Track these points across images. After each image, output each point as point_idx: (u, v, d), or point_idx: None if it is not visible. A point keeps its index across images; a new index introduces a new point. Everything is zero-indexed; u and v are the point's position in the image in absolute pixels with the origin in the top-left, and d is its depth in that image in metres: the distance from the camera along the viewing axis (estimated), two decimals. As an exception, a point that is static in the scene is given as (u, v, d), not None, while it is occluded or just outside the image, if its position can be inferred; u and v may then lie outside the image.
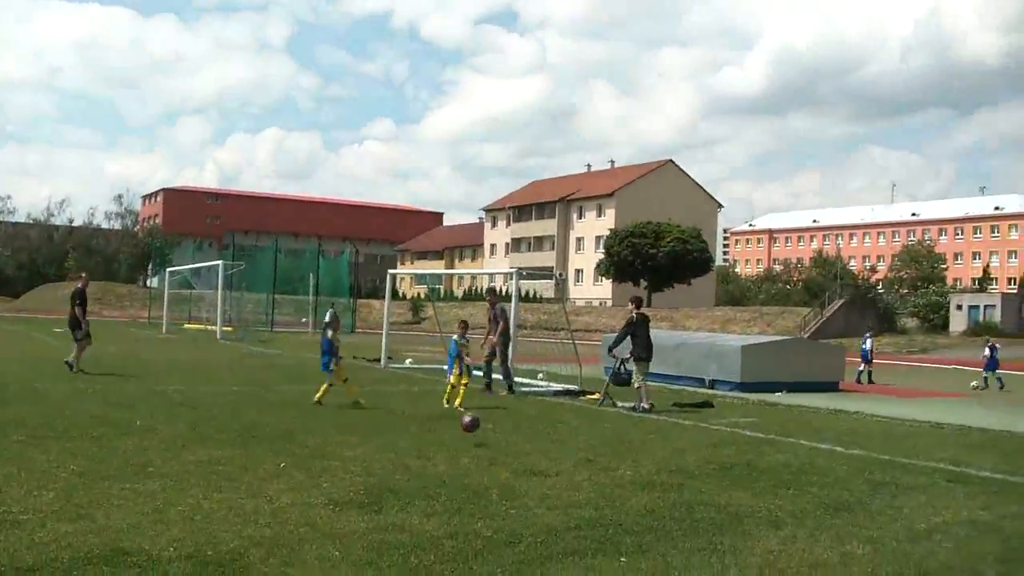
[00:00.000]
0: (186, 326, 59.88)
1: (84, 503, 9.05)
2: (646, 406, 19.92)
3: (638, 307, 21.43)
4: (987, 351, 34.83)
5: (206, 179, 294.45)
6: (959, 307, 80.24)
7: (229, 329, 53.37)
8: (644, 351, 20.62)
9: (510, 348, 23.00)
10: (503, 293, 34.58)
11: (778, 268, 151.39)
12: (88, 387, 20.11)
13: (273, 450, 12.64)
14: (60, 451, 11.88)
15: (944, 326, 79.25)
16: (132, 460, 11.51)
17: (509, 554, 7.81)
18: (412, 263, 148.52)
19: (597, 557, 7.82)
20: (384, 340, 32.09)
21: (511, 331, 23.07)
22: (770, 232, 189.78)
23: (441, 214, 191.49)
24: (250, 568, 7.13)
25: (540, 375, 26.14)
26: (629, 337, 20.74)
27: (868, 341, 35.84)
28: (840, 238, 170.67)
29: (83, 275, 27.73)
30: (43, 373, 23.16)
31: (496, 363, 22.68)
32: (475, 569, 7.33)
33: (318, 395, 18.19)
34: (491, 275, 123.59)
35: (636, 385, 20.26)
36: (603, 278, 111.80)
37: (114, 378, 22.77)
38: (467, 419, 12.54)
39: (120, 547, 7.54)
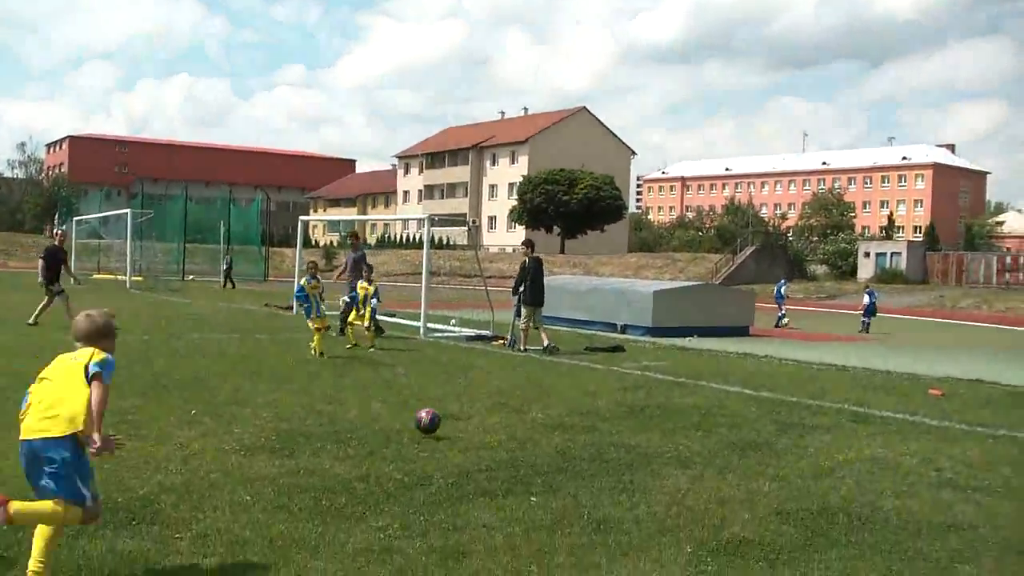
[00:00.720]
0: (95, 276, 58.81)
1: (-8, 451, 8.91)
2: (522, 348, 20.75)
3: (531, 250, 21.69)
4: (866, 297, 35.72)
5: (114, 127, 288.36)
6: (867, 254, 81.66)
7: (139, 279, 52.60)
8: (533, 295, 20.93)
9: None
10: (414, 240, 34.58)
11: (690, 215, 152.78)
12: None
13: (184, 398, 12.53)
14: (-41, 403, 11.64)
15: (852, 273, 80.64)
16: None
17: (420, 495, 7.87)
18: (324, 211, 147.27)
19: (508, 497, 7.92)
20: (296, 286, 31.84)
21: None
22: (683, 180, 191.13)
23: (354, 161, 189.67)
24: (160, 514, 7.09)
25: (453, 321, 26.18)
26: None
27: (783, 287, 37.43)
28: (752, 186, 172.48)
29: (59, 232, 27.38)
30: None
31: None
32: (386, 510, 7.38)
33: (315, 346, 18.20)
34: (404, 222, 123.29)
35: (522, 327, 20.82)
36: (516, 225, 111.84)
37: (19, 329, 22.33)
38: (424, 415, 10.90)
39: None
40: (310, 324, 18.81)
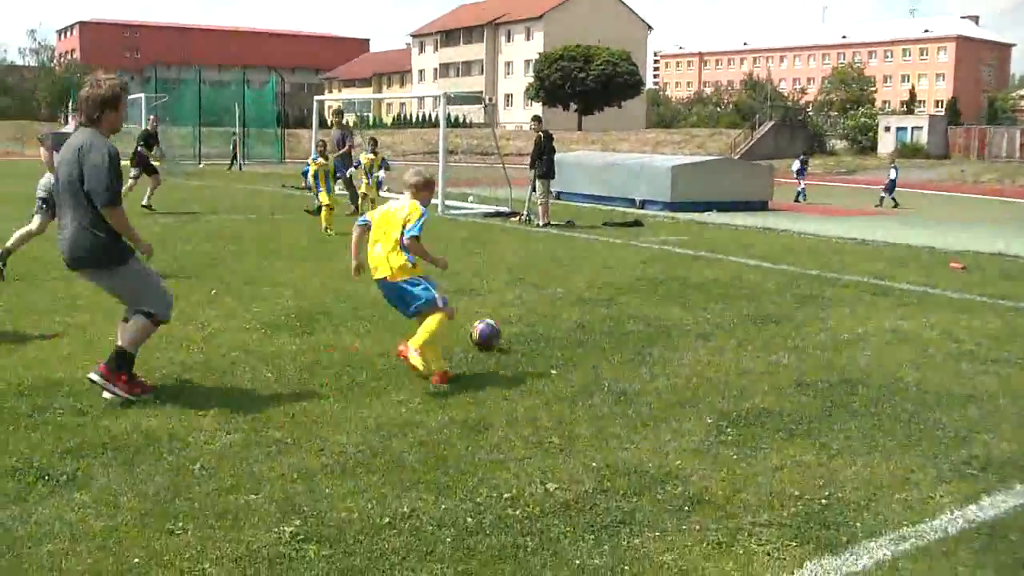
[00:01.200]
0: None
1: (14, 338, 8.99)
2: (541, 223, 20.79)
3: (540, 124, 21.74)
4: (893, 172, 35.46)
5: (124, 10, 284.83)
6: (887, 129, 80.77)
7: (156, 163, 52.44)
8: (548, 169, 21.05)
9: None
10: (430, 119, 34.36)
11: (708, 91, 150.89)
12: (7, 225, 19.72)
13: (205, 278, 12.59)
14: (-18, 289, 11.73)
15: (873, 148, 79.86)
16: (61, 295, 11.39)
17: (442, 370, 7.91)
18: (339, 91, 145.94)
19: (528, 370, 7.97)
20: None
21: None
22: (700, 55, 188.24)
23: (367, 40, 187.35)
24: (184, 391, 7.16)
25: (470, 198, 26.13)
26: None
27: (799, 162, 37.26)
28: (771, 61, 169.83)
29: (152, 117, 27.11)
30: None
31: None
32: (407, 385, 7.42)
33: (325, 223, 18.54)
34: (419, 101, 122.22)
35: (539, 203, 20.82)
36: (532, 102, 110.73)
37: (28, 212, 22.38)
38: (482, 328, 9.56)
39: (53, 378, 7.52)
40: (318, 201, 19.07)
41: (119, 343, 7.07)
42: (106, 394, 6.79)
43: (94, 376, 6.85)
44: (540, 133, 21.43)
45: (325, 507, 5.05)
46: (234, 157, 51.65)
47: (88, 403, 6.84)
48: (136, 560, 4.42)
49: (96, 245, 6.75)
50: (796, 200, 34.84)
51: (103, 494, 5.20)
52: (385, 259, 7.55)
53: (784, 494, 5.37)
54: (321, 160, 19.46)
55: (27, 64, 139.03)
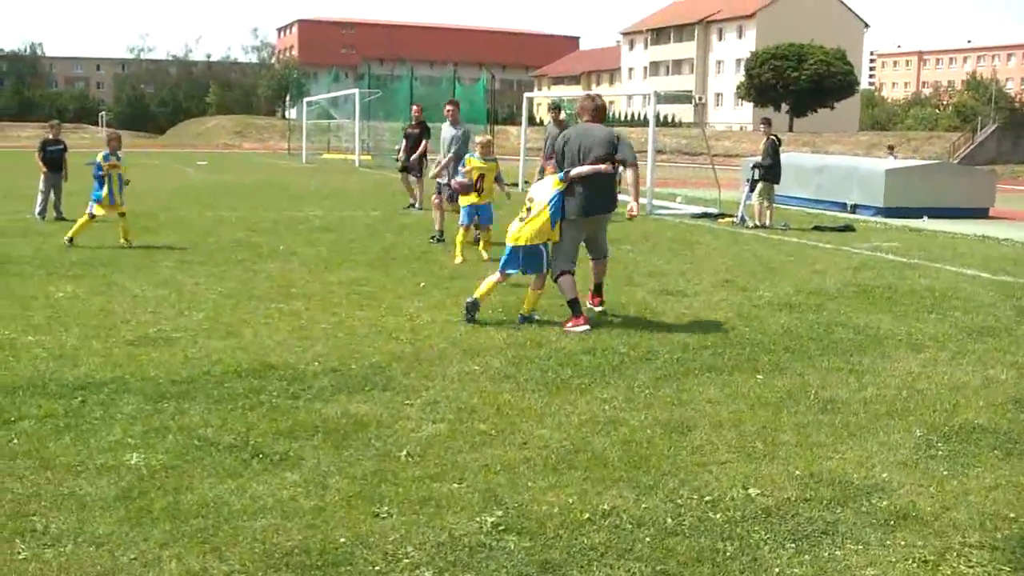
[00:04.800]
0: (325, 156, 60.62)
1: (232, 322, 9.42)
2: (755, 223, 20.67)
3: (770, 127, 21.55)
4: None
5: (341, 8, 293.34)
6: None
7: (368, 157, 53.93)
8: (774, 173, 20.78)
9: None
10: (638, 117, 33.94)
11: (927, 92, 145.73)
12: (231, 215, 20.68)
13: (412, 271, 12.90)
14: (207, 275, 12.33)
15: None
16: (276, 282, 11.89)
17: (646, 369, 7.89)
18: (548, 88, 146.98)
19: (734, 374, 7.86)
20: (521, 165, 32.09)
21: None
22: (920, 54, 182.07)
23: (577, 39, 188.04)
24: (392, 381, 7.35)
25: (678, 198, 25.95)
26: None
27: None
28: (996, 59, 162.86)
29: (416, 105, 26.99)
30: (187, 203, 23.86)
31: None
32: (611, 383, 7.44)
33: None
34: (628, 99, 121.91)
35: (757, 205, 20.54)
36: (743, 102, 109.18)
37: (255, 206, 23.36)
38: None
39: (268, 362, 7.85)
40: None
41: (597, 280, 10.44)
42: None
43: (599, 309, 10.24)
44: (773, 136, 21.24)
45: (526, 499, 5.10)
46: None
47: (300, 387, 7.12)
48: (343, 540, 4.56)
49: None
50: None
51: (313, 474, 5.39)
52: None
53: (998, 515, 5.13)
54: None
55: (249, 61, 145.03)
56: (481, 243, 14.54)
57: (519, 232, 9.54)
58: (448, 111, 17.66)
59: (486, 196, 14.30)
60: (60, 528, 4.64)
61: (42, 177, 19.22)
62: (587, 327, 9.32)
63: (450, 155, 16.63)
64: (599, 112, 10.31)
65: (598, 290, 10.44)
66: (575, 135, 9.98)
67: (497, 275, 9.71)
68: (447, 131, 17.39)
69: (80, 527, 4.65)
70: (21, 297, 10.60)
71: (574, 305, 9.52)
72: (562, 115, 20.92)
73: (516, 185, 31.06)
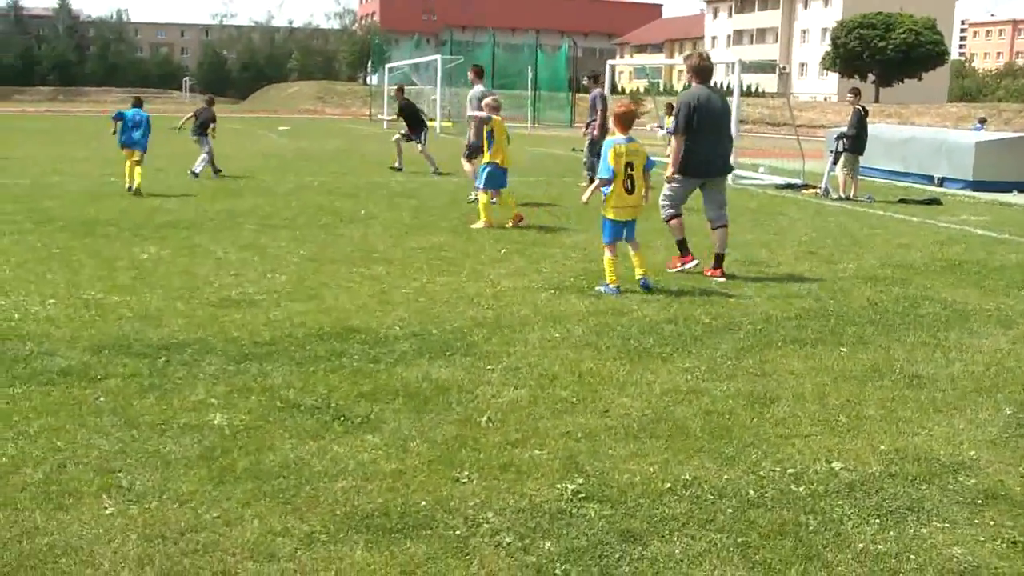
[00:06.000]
0: (407, 121, 60.73)
1: (314, 285, 9.50)
2: (839, 195, 20.23)
3: (858, 98, 21.07)
4: None
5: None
6: None
7: (449, 124, 54.01)
8: (860, 144, 20.37)
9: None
10: (722, 86, 33.49)
11: (1021, 62, 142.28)
12: (313, 180, 20.83)
13: (494, 237, 12.89)
14: (290, 238, 12.45)
15: None
16: (358, 246, 11.96)
17: (729, 339, 7.81)
18: (631, 56, 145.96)
19: (817, 346, 7.74)
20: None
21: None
22: (1014, 22, 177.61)
23: (660, 6, 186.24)
24: (474, 347, 7.36)
25: (761, 169, 25.60)
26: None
27: None
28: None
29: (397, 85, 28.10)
30: (270, 168, 24.07)
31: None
32: (694, 353, 7.38)
33: None
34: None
35: (842, 176, 20.21)
36: (828, 72, 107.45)
37: (337, 171, 23.50)
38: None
39: (349, 325, 7.90)
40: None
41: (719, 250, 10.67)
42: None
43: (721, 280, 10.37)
44: (860, 107, 20.83)
45: (607, 467, 5.07)
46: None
47: (381, 350, 7.15)
48: (423, 503, 4.57)
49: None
50: None
51: (393, 438, 5.41)
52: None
53: (1093, 496, 5.00)
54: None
55: (331, 27, 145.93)
56: (508, 203, 14.42)
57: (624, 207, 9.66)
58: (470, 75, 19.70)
59: (496, 155, 14.12)
60: (145, 485, 4.71)
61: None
62: (696, 262, 10.57)
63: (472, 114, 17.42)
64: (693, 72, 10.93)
65: (718, 261, 10.68)
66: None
67: (608, 253, 9.65)
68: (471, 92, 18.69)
69: (164, 484, 4.72)
70: (107, 258, 10.79)
71: (682, 245, 10.69)
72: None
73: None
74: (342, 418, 5.69)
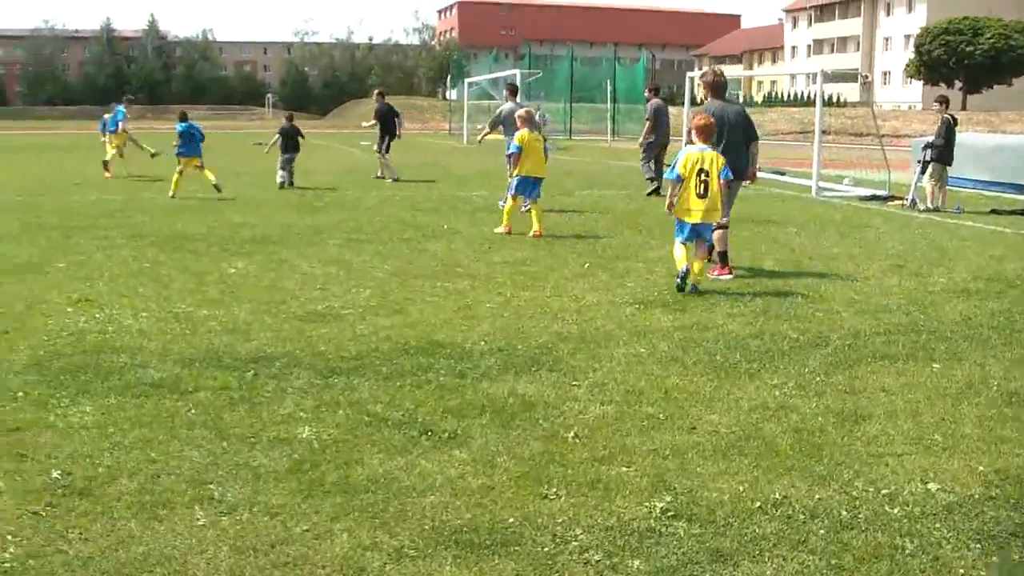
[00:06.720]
0: (489, 136, 60.93)
1: (399, 300, 9.56)
2: (927, 206, 19.76)
3: (946, 107, 20.67)
4: None
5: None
6: None
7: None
8: (947, 154, 19.97)
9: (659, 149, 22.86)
10: (802, 97, 33.17)
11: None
12: (396, 194, 20.98)
13: (576, 251, 12.87)
14: (374, 253, 12.56)
15: None
16: (441, 260, 12.01)
17: (816, 355, 7.69)
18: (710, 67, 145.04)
19: (908, 362, 7.59)
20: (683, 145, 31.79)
21: (661, 128, 22.92)
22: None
23: (739, 17, 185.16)
24: (559, 362, 7.34)
25: (845, 180, 25.25)
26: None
27: None
28: None
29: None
30: (353, 182, 24.29)
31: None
32: (781, 369, 7.27)
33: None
34: (791, 78, 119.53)
35: (934, 187, 19.82)
36: (912, 80, 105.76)
37: (420, 186, 23.64)
38: None
39: (435, 340, 7.93)
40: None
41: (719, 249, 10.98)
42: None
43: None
44: (949, 115, 20.48)
45: (696, 485, 5.01)
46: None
47: (467, 365, 7.16)
48: (511, 520, 4.55)
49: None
50: None
51: (481, 453, 5.41)
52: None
53: None
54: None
55: (410, 43, 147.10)
56: (533, 215, 14.69)
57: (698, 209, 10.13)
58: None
59: (531, 167, 14.71)
60: (236, 497, 4.76)
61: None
62: (731, 276, 10.99)
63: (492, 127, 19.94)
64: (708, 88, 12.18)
65: (723, 259, 11.26)
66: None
67: (677, 246, 10.36)
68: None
69: (255, 497, 4.77)
70: (196, 272, 10.97)
71: (723, 256, 11.13)
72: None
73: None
74: (429, 433, 5.70)
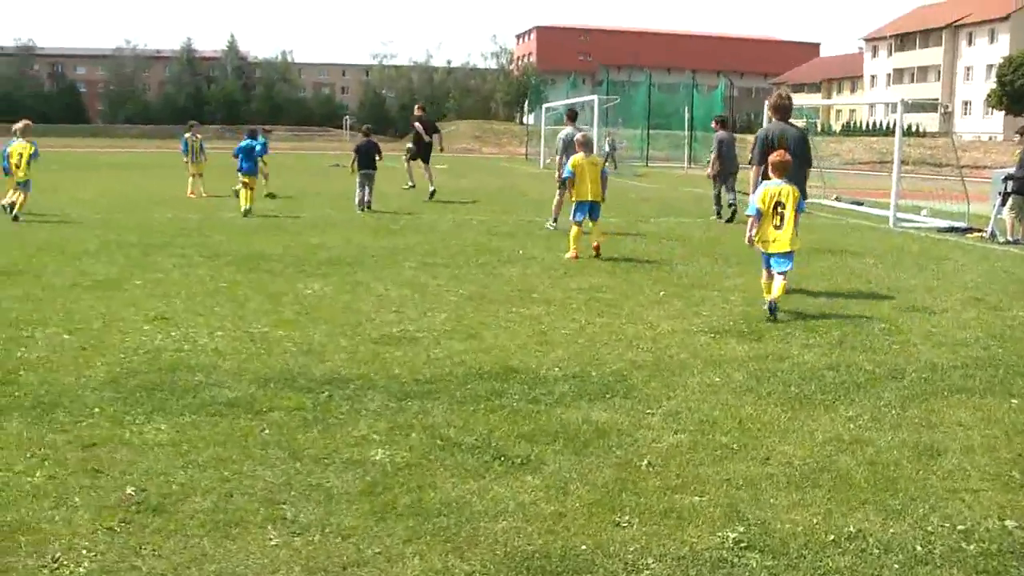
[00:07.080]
0: (562, 160, 60.97)
1: (473, 324, 9.60)
2: (1006, 238, 19.36)
3: None
4: None
5: (579, 15, 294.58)
6: None
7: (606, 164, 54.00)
8: None
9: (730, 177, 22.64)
10: (881, 126, 32.80)
11: None
12: (472, 218, 21.09)
13: (652, 278, 12.86)
14: (449, 277, 12.62)
15: None
16: (516, 286, 12.06)
17: (893, 388, 7.61)
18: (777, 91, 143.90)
19: (986, 397, 7.48)
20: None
21: (726, 159, 22.57)
22: None
23: (818, 45, 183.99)
24: (633, 390, 7.34)
25: (924, 211, 24.95)
26: None
27: None
28: None
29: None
30: (429, 206, 24.44)
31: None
32: (857, 401, 7.21)
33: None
34: (870, 108, 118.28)
35: (1014, 219, 19.47)
36: (993, 110, 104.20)
37: (495, 210, 23.74)
38: None
39: (509, 365, 7.96)
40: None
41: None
42: None
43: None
44: None
45: (769, 517, 4.99)
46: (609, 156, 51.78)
47: (541, 391, 7.19)
48: (583, 547, 4.57)
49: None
50: None
51: (553, 480, 5.42)
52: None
53: None
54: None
55: (488, 67, 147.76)
56: (593, 230, 15.02)
57: (776, 240, 10.52)
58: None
59: (585, 191, 14.90)
60: (309, 518, 4.83)
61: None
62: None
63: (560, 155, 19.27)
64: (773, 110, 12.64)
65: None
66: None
67: (765, 275, 10.79)
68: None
69: (327, 518, 4.83)
70: (272, 293, 11.12)
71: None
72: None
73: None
74: (502, 458, 5.73)
